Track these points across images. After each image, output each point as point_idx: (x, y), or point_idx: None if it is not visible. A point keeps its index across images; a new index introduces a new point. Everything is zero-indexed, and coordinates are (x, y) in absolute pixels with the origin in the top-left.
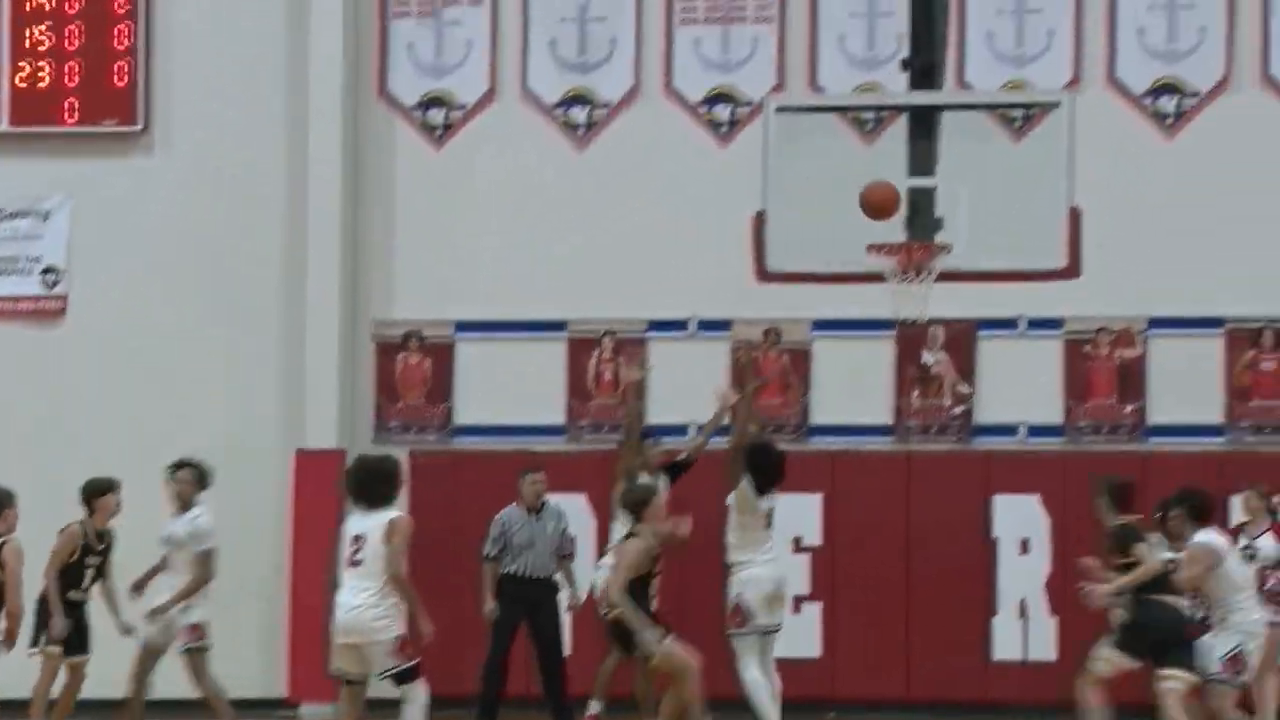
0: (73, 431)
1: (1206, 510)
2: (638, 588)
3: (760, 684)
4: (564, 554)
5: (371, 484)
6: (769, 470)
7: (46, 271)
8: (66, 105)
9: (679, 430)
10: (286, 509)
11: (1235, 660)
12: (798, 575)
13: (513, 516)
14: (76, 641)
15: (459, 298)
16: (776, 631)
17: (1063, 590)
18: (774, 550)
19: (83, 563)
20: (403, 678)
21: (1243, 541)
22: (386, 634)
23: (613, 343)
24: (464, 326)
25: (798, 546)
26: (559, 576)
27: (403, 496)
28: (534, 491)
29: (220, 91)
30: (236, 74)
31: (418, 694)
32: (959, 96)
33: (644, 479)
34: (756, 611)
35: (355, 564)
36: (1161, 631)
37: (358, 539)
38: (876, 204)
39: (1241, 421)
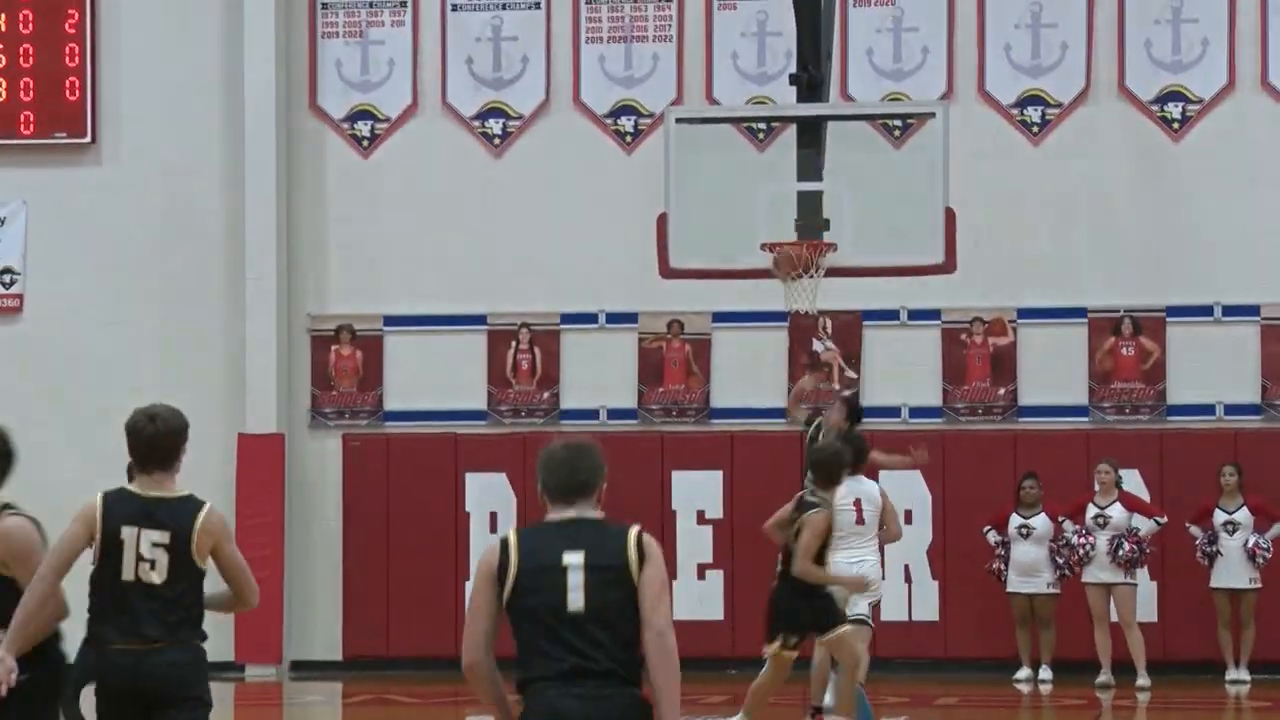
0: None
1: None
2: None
3: None
4: None
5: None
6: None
7: (3, 273)
8: (22, 118)
9: (589, 414)
10: (230, 489)
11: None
12: (702, 545)
13: None
14: None
15: (387, 294)
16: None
17: (942, 556)
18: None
19: None
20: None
21: (1092, 511)
22: None
23: (528, 334)
24: (392, 320)
25: (701, 519)
26: None
27: (335, 474)
28: None
29: (163, 106)
30: (178, 90)
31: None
32: (843, 108)
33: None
34: None
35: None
36: None
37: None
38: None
39: (1103, 402)
